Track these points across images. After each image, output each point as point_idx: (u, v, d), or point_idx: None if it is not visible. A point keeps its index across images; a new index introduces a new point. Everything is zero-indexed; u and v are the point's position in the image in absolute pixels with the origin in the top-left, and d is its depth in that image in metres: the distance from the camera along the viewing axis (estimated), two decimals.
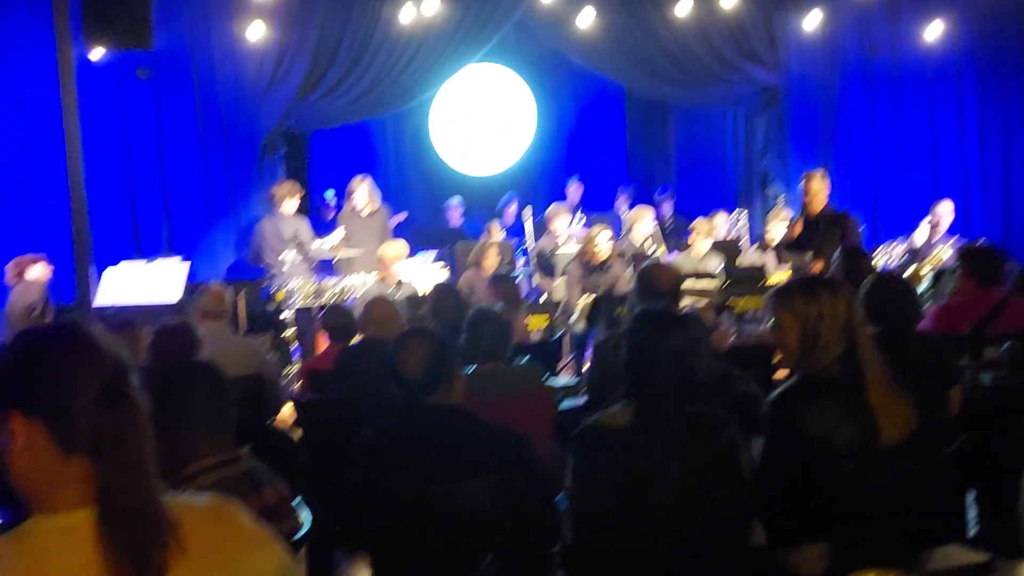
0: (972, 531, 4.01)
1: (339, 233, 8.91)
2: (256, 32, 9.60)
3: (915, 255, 8.86)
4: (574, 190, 11.80)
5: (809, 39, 11.05)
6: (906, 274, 8.03)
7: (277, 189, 8.96)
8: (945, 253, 8.39)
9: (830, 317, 2.98)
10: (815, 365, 2.99)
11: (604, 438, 2.93)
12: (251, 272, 9.55)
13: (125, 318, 5.27)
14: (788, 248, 8.29)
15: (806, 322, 3.01)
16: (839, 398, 2.93)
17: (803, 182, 7.86)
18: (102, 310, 7.14)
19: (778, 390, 3.08)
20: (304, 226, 8.82)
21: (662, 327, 2.99)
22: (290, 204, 8.83)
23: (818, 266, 7.27)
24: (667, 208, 11.63)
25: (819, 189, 7.65)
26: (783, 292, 3.14)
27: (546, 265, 9.31)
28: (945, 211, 9.09)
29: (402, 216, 10.56)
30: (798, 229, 7.84)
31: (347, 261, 8.85)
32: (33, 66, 8.77)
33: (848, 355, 2.97)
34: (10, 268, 7.61)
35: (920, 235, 9.34)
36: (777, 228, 9.10)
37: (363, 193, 9.13)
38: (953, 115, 11.09)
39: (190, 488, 2.24)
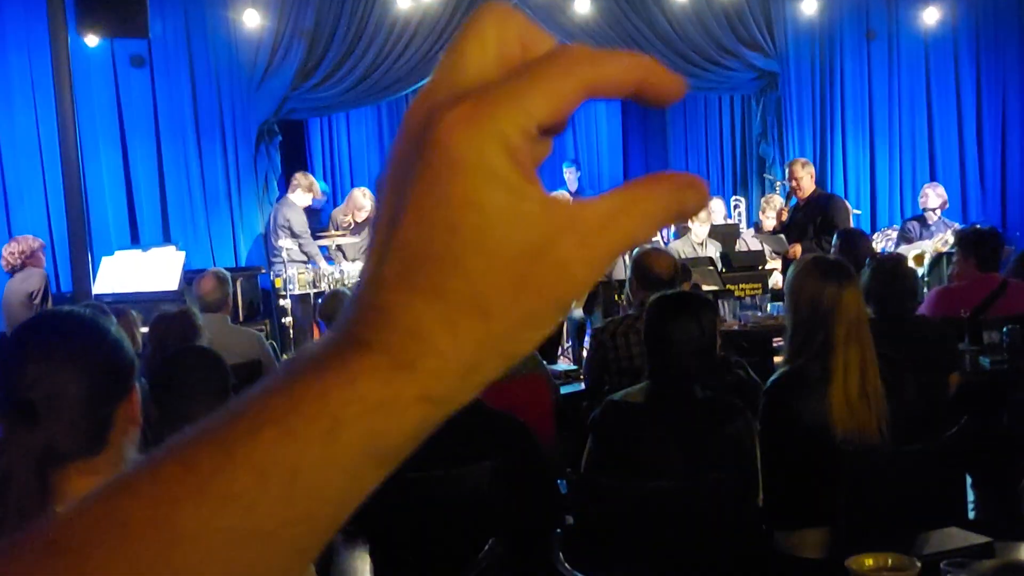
0: (971, 514, 4.02)
1: (339, 240, 8.74)
2: (252, 20, 9.57)
3: (912, 237, 8.85)
4: (570, 176, 11.79)
5: (806, 23, 11.03)
6: (912, 255, 8.05)
7: (302, 177, 8.79)
8: (950, 237, 8.38)
9: (839, 308, 2.95)
10: (812, 351, 2.97)
11: (620, 413, 2.94)
12: (248, 259, 9.54)
13: (119, 306, 5.25)
14: (776, 233, 8.34)
15: (815, 310, 2.99)
16: (829, 388, 2.93)
17: (786, 170, 7.98)
18: (100, 299, 7.12)
19: (774, 377, 3.08)
20: (299, 219, 8.65)
21: (675, 310, 2.99)
22: (302, 196, 8.70)
23: (795, 251, 7.30)
24: None
25: (801, 176, 7.71)
26: (803, 271, 3.10)
27: None
28: (930, 192, 9.05)
29: None
30: (785, 215, 7.94)
31: (342, 249, 8.82)
32: (28, 54, 8.75)
33: (849, 346, 2.94)
34: (9, 254, 7.45)
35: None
36: (771, 213, 9.11)
37: (369, 208, 8.91)
38: (951, 99, 11.08)
39: None
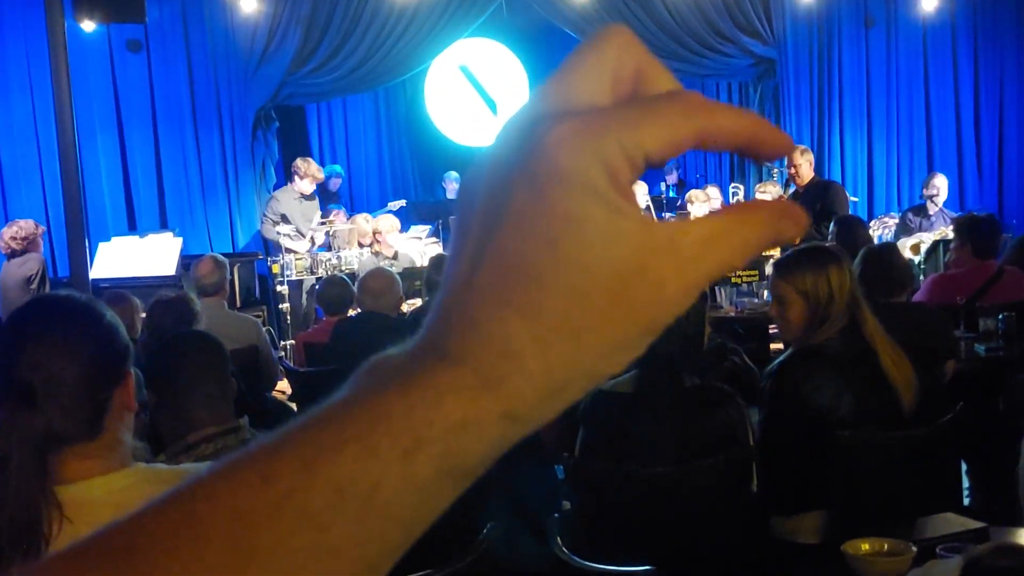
0: (966, 501, 4.04)
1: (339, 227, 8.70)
2: (248, 5, 9.54)
3: (912, 228, 8.84)
4: None
5: (804, 10, 11.01)
6: (908, 245, 8.06)
7: (304, 164, 8.68)
8: (950, 233, 8.35)
9: (838, 292, 2.94)
10: (818, 338, 2.97)
11: (609, 403, 2.94)
12: (245, 245, 9.53)
13: (120, 291, 5.25)
14: None
15: (817, 300, 2.95)
16: (841, 369, 2.93)
17: (785, 157, 8.02)
18: (97, 284, 7.12)
19: (778, 360, 3.07)
20: (275, 206, 8.55)
21: None
22: (304, 184, 8.62)
23: None
24: (673, 178, 11.76)
25: (800, 163, 7.74)
26: (789, 267, 3.02)
27: None
28: (940, 184, 9.07)
29: (400, 203, 10.42)
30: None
31: (338, 235, 8.79)
32: (25, 39, 8.72)
33: (852, 327, 2.94)
34: (10, 238, 7.40)
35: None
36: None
37: (371, 232, 8.78)
38: (949, 87, 11.07)
39: (191, 457, 2.25)
